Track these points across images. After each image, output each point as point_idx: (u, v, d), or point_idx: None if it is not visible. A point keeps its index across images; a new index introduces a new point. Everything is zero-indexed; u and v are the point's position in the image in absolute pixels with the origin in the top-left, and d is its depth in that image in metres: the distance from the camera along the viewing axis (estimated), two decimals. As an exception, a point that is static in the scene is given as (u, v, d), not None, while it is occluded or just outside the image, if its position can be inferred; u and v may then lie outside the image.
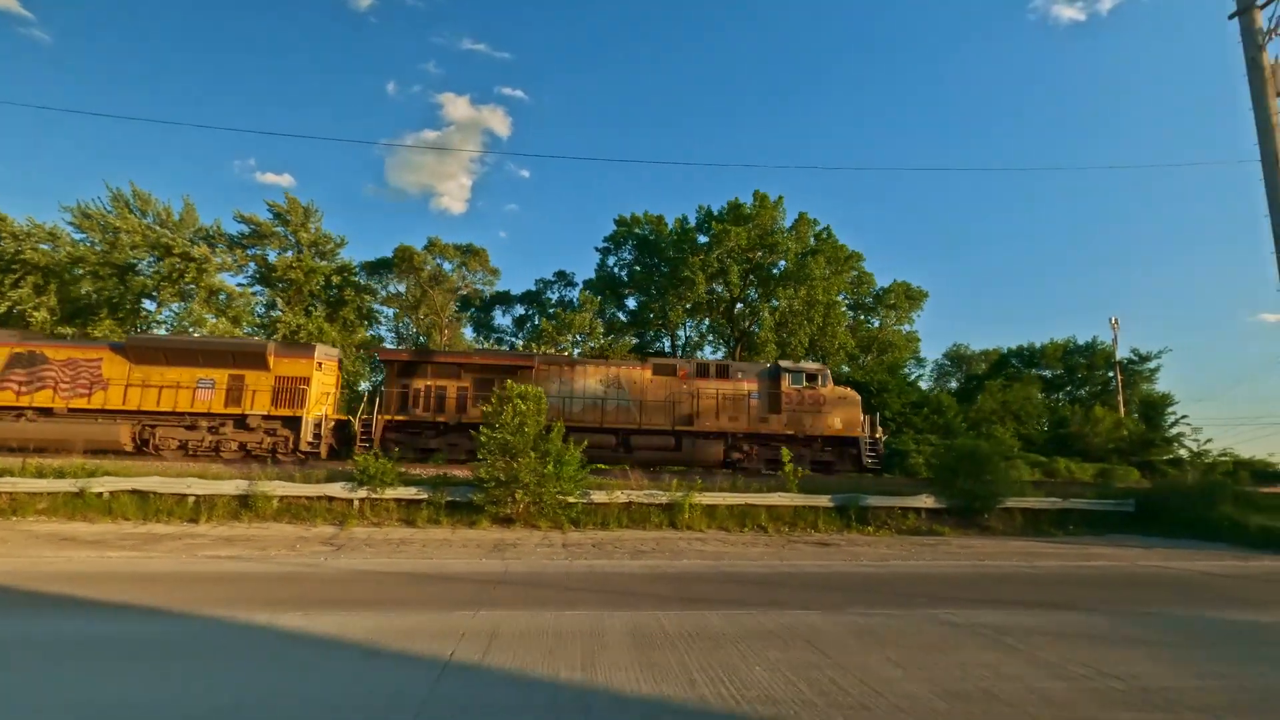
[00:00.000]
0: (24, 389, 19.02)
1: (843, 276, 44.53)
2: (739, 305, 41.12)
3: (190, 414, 19.32)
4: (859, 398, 22.22)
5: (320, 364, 20.34)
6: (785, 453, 17.29)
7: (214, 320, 30.48)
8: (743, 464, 20.98)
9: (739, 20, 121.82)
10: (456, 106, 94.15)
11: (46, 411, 18.92)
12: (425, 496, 14.14)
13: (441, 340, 35.98)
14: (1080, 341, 46.41)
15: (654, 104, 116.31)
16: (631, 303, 42.68)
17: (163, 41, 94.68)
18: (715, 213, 41.56)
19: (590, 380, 21.30)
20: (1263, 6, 14.15)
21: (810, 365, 22.47)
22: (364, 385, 31.99)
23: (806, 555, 11.65)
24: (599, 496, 14.33)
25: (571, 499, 13.97)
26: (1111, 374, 41.91)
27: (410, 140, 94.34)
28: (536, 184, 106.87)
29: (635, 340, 42.68)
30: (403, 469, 15.14)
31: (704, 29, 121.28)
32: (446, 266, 43.94)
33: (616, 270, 44.03)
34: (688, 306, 40.33)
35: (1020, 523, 15.90)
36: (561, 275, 45.49)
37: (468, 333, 44.92)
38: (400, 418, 20.00)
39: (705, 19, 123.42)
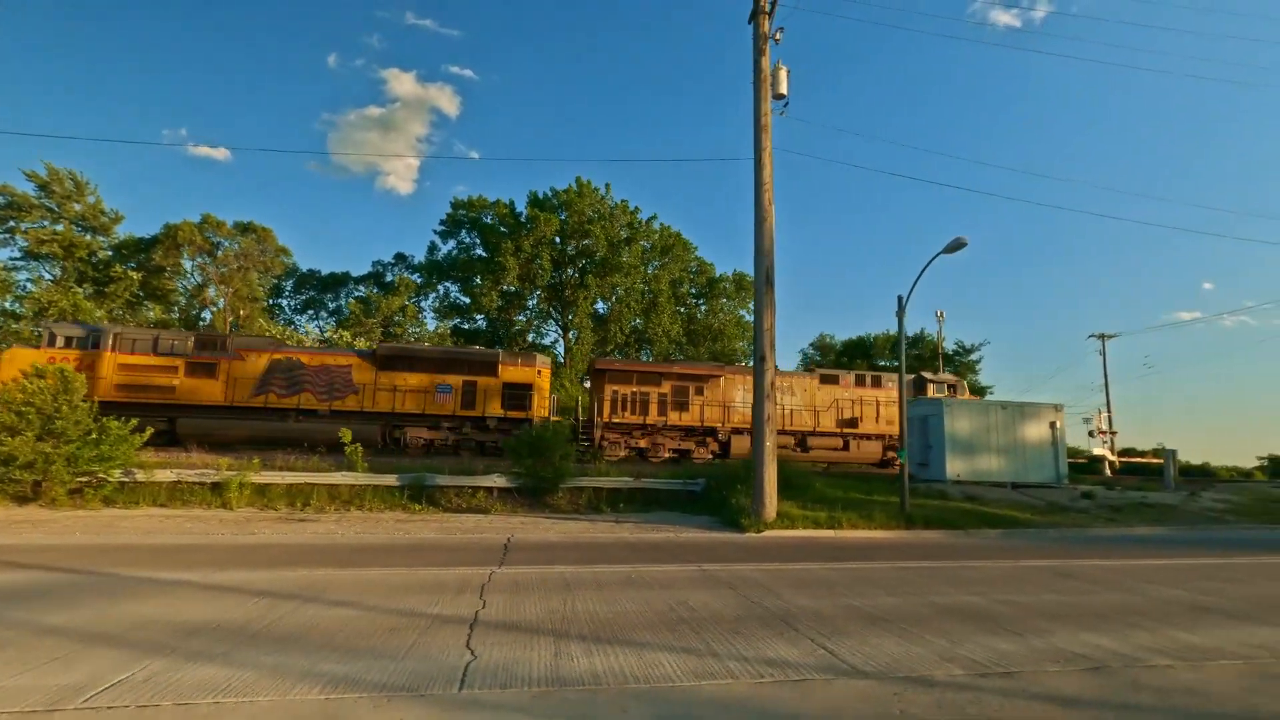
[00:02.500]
0: (284, 393, 21.04)
1: (676, 265, 45.33)
2: (566, 291, 41.78)
3: (433, 415, 21.38)
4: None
5: (540, 371, 22.86)
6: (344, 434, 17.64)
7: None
8: (895, 463, 24.31)
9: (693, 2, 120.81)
10: (402, 82, 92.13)
11: (310, 413, 21.09)
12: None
13: (241, 321, 36.11)
14: (909, 334, 48.09)
15: (606, 84, 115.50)
16: (455, 288, 43.15)
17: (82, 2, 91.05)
18: (541, 197, 42.06)
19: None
20: (769, 13, 14.99)
21: (948, 376, 26.67)
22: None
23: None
24: (140, 476, 14.80)
25: (106, 475, 14.41)
26: (943, 363, 43.67)
27: (353, 116, 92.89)
28: (485, 165, 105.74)
29: (457, 325, 43.15)
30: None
31: (657, 10, 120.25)
32: (235, 247, 42.28)
33: (458, 254, 44.29)
34: (505, 290, 40.81)
35: (585, 501, 16.63)
36: (401, 257, 45.75)
37: (299, 320, 44.87)
38: (615, 419, 22.77)
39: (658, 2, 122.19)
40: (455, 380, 21.90)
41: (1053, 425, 18.77)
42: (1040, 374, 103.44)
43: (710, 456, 23.32)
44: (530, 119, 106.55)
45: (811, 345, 58.17)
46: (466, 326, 43.80)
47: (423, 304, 42.97)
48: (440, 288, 44.83)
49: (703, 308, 46.34)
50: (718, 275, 46.19)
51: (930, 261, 13.87)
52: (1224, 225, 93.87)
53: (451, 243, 44.47)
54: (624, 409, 23.07)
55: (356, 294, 44.37)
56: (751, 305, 47.69)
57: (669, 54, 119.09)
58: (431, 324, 42.15)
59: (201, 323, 34.03)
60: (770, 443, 13.96)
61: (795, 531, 13.00)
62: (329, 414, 21.11)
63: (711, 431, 23.64)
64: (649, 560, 9.14)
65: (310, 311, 45.85)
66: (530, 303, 43.16)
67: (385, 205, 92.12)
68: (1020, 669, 4.55)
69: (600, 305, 43.28)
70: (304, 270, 44.87)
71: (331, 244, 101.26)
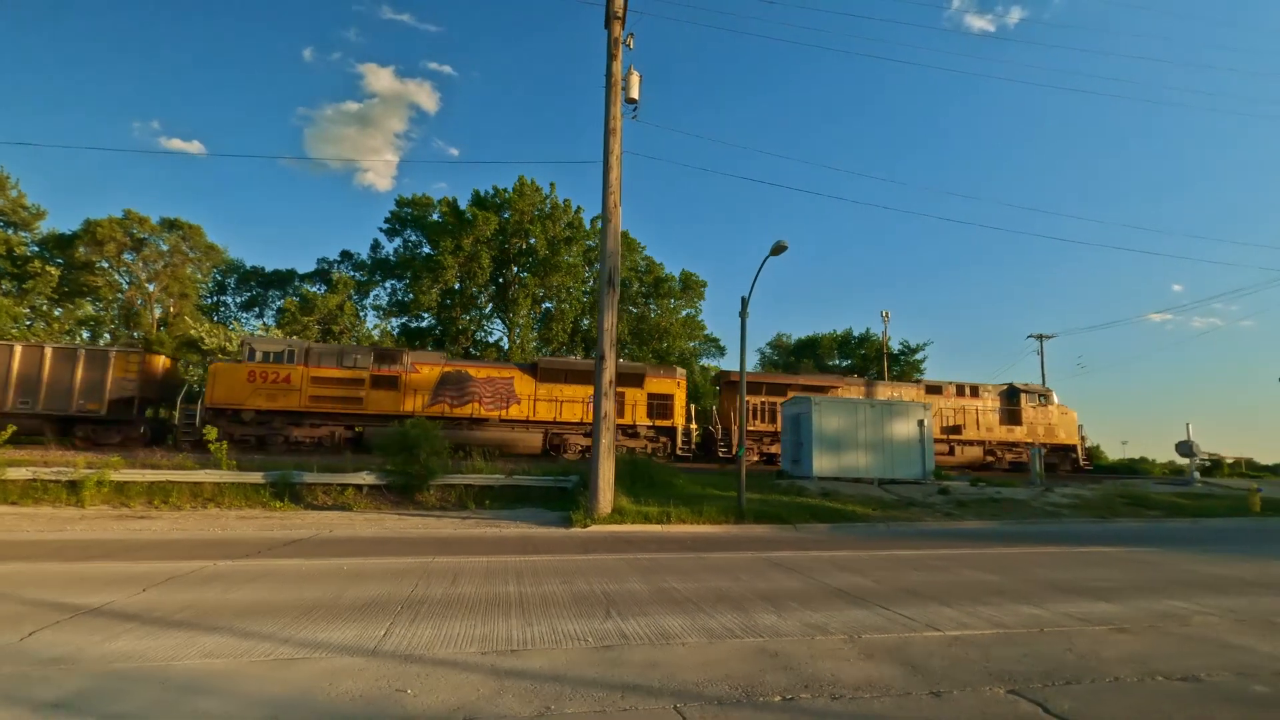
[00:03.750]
0: (455, 403, 23.02)
1: (622, 264, 45.60)
2: (509, 290, 41.98)
3: (588, 424, 22.83)
4: (1075, 414, 29.54)
5: (679, 383, 25.28)
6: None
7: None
8: (995, 465, 27.63)
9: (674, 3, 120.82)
10: (379, 78, 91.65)
11: (480, 422, 23.14)
12: None
13: (170, 319, 36.01)
14: (856, 333, 48.69)
15: (586, 83, 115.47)
16: (390, 286, 43.26)
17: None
18: (483, 196, 42.22)
19: (878, 397, 27.19)
20: (621, 19, 15.29)
21: (1039, 387, 29.53)
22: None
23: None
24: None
25: None
26: (887, 363, 44.34)
27: (331, 111, 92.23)
28: (467, 163, 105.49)
29: (405, 324, 43.28)
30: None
31: (644, 11, 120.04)
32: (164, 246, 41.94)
33: (403, 252, 44.37)
34: (450, 288, 41.01)
35: (455, 498, 16.90)
36: (346, 255, 45.79)
37: (245, 317, 44.87)
38: (749, 428, 24.41)
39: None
40: None
41: (920, 423, 19.25)
42: (984, 372, 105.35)
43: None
44: (510, 117, 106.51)
45: (769, 344, 58.78)
46: (414, 325, 44.01)
47: (365, 302, 43.09)
48: (387, 285, 45.04)
49: (653, 308, 46.73)
50: (664, 275, 46.55)
51: (762, 265, 14.29)
52: (1122, 239, 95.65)
53: (397, 240, 44.69)
54: (754, 418, 25.68)
55: (295, 293, 44.48)
56: (701, 305, 48.23)
57: (652, 50, 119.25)
58: (372, 322, 42.23)
59: (122, 329, 33.93)
60: (607, 440, 14.32)
61: (623, 526, 13.37)
62: (499, 421, 23.31)
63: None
64: (453, 553, 9.55)
65: (256, 309, 45.91)
66: (480, 300, 43.41)
67: (365, 202, 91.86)
68: (629, 641, 4.94)
69: (549, 304, 43.57)
70: (249, 267, 44.96)
71: (305, 241, 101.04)
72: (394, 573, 7.82)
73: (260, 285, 45.08)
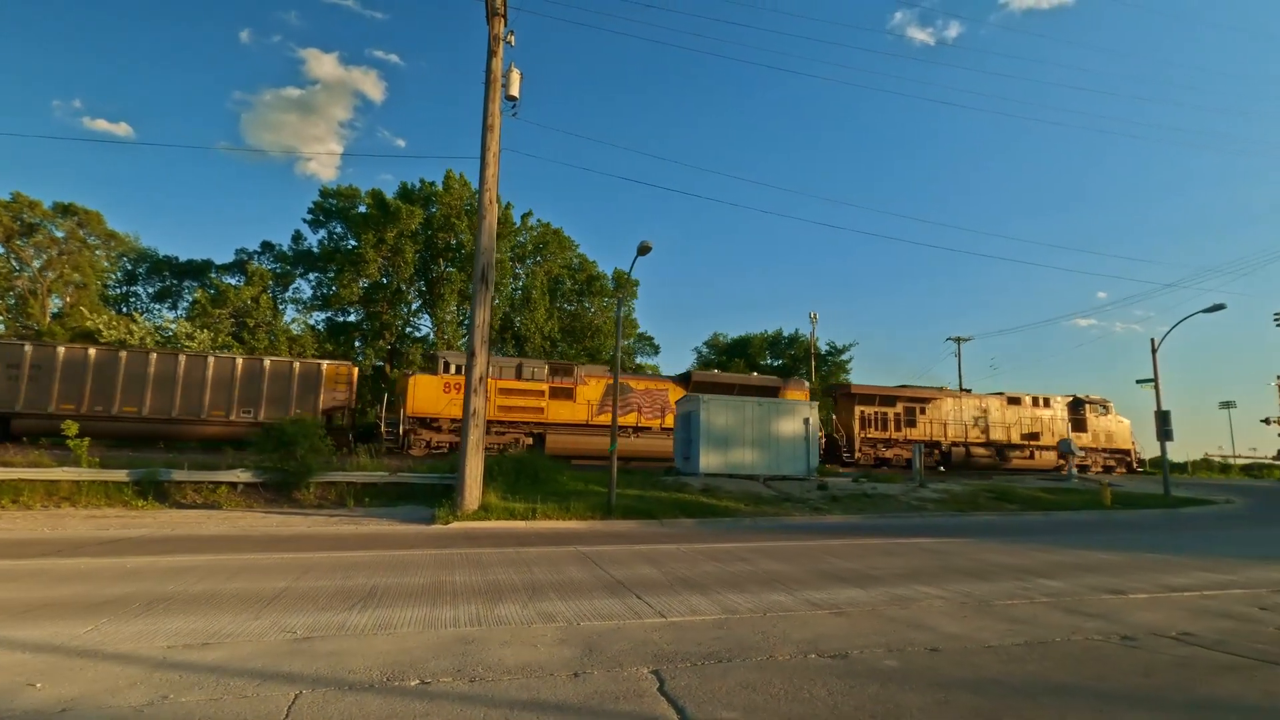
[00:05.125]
0: (620, 413, 24.04)
1: (555, 262, 45.46)
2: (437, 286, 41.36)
3: None
4: (1129, 422, 33.83)
5: (805, 395, 27.52)
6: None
7: None
8: (1063, 468, 29.67)
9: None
10: (322, 64, 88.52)
11: (643, 430, 25.53)
12: None
13: (66, 309, 34.15)
14: (786, 334, 49.67)
15: (537, 74, 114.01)
16: (315, 279, 42.14)
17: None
18: (410, 189, 41.50)
19: (965, 407, 30.75)
20: (503, 15, 15.20)
21: (1100, 399, 32.93)
22: None
23: None
24: None
25: None
26: (815, 364, 45.37)
27: (270, 96, 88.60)
28: (415, 154, 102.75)
29: (331, 318, 42.24)
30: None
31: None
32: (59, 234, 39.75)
33: (328, 245, 43.19)
34: (378, 282, 40.19)
35: (336, 495, 16.61)
36: (268, 246, 44.31)
37: (157, 309, 42.90)
38: (867, 434, 28.57)
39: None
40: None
41: (806, 421, 19.87)
42: (907, 373, 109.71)
43: (934, 464, 29.00)
44: (454, 109, 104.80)
45: (706, 344, 59.53)
46: (339, 320, 42.95)
47: (285, 295, 41.80)
48: (311, 277, 43.80)
49: (589, 306, 46.72)
50: (597, 273, 46.62)
51: (633, 263, 14.51)
52: (1008, 251, 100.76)
53: (322, 232, 43.50)
54: (870, 425, 28.55)
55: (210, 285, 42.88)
56: (634, 303, 48.50)
57: (607, 47, 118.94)
58: (290, 315, 41.01)
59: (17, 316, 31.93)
60: (475, 436, 14.34)
61: (486, 523, 13.39)
62: (659, 430, 25.54)
63: (936, 444, 29.62)
64: (283, 550, 9.47)
65: (170, 300, 44.01)
66: (409, 295, 42.65)
67: (308, 192, 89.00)
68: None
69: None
70: (160, 256, 43.04)
71: (243, 232, 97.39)
72: (178, 570, 7.70)
73: (174, 275, 43.22)
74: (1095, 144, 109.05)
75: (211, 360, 21.63)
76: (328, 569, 7.94)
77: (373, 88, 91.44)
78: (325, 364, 23.02)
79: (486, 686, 4.04)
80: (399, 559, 8.77)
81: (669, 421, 25.34)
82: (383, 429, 23.21)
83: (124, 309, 41.23)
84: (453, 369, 23.35)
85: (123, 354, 21.10)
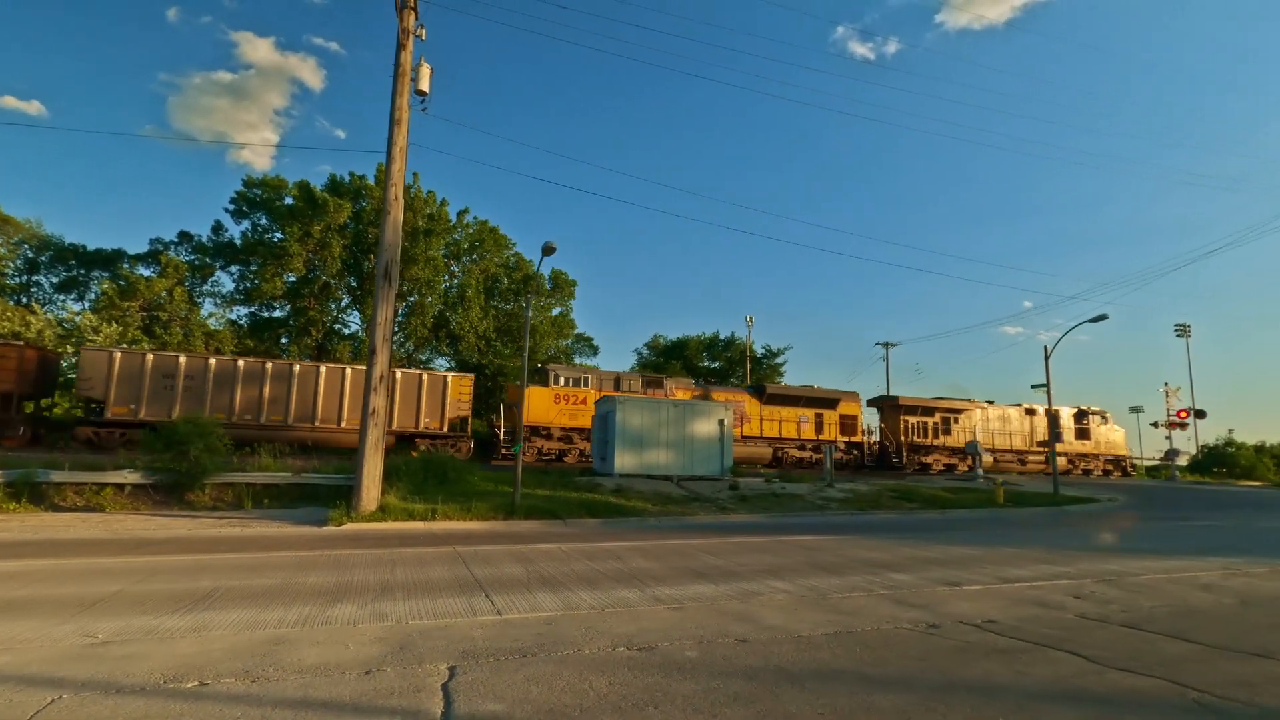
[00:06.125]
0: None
1: (490, 260, 44.86)
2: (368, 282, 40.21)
3: (798, 439, 29.43)
4: (1123, 431, 38.68)
5: (859, 406, 31.69)
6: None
7: None
8: (1071, 471, 34.95)
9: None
10: (256, 48, 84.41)
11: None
12: None
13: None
14: (723, 336, 50.39)
15: (480, 66, 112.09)
16: (237, 272, 40.44)
17: None
18: (340, 181, 40.33)
19: (991, 416, 34.74)
20: (414, 8, 14.87)
21: (1099, 409, 36.99)
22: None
23: None
24: None
25: None
26: (750, 366, 46.15)
27: (199, 80, 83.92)
28: (355, 147, 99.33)
29: (254, 313, 40.61)
30: None
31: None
32: None
33: (252, 237, 41.43)
34: (300, 278, 38.83)
35: (233, 496, 16.02)
36: (185, 235, 42.22)
37: (61, 299, 40.17)
38: (913, 441, 31.90)
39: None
40: (809, 413, 29.81)
41: (721, 422, 20.30)
42: (839, 376, 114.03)
43: (966, 469, 31.49)
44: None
45: (646, 345, 59.89)
46: (263, 316, 41.30)
47: (203, 288, 39.90)
48: (233, 270, 41.97)
49: (527, 307, 46.19)
50: (534, 272, 46.25)
51: (540, 262, 14.51)
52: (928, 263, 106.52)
53: (245, 224, 41.75)
54: (913, 434, 31.57)
55: (119, 275, 40.56)
56: (571, 303, 48.33)
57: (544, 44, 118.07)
58: (206, 310, 39.22)
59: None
60: (374, 436, 14.07)
61: (381, 524, 13.14)
62: (741, 439, 27.28)
63: (963, 451, 32.52)
64: (151, 553, 9.12)
65: (75, 292, 41.40)
66: (338, 291, 41.37)
67: (239, 181, 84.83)
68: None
69: (413, 298, 42.17)
70: (66, 244, 40.44)
71: (171, 222, 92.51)
72: (8, 575, 7.30)
73: (81, 265, 40.69)
74: (1010, 163, 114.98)
75: (349, 371, 23.04)
76: (177, 572, 7.67)
77: (311, 75, 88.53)
78: (450, 376, 24.23)
79: (265, 687, 4.01)
80: (260, 561, 8.55)
81: (749, 429, 27.99)
82: (501, 437, 25.04)
83: (23, 299, 38.64)
84: (562, 381, 25.58)
85: (268, 365, 22.33)
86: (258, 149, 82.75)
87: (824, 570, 8.63)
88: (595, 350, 51.13)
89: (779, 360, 51.65)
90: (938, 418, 32.73)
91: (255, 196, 40.99)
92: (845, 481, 21.86)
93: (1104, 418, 37.20)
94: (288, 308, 40.82)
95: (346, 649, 4.81)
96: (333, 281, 39.73)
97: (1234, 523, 17.92)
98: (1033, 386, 24.27)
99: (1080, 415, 36.00)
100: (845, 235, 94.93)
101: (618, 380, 26.53)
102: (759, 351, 51.58)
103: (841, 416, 30.38)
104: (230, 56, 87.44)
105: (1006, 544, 12.00)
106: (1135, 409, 55.25)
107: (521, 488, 16.75)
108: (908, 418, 31.79)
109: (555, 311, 46.60)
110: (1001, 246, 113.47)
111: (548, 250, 13.76)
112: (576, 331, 48.49)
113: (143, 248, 41.72)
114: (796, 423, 29.12)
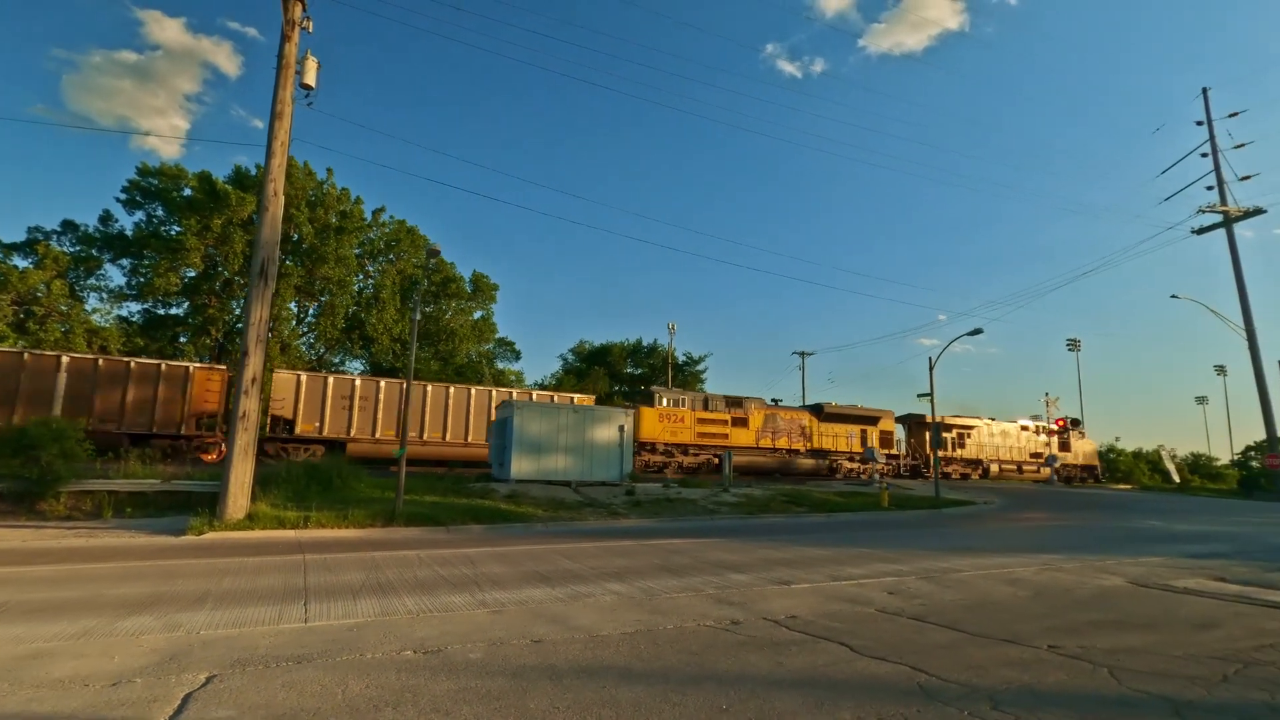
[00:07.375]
0: (774, 438, 30.87)
1: (407, 261, 43.70)
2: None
3: (846, 452, 33.38)
4: (1095, 442, 46.69)
5: (894, 422, 36.44)
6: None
7: None
8: (1055, 479, 40.99)
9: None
10: (165, 28, 78.87)
11: (794, 453, 31.68)
12: None
13: None
14: (646, 343, 50.76)
15: (409, 61, 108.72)
16: (127, 264, 37.92)
17: None
18: (244, 173, 38.44)
19: (994, 431, 40.38)
20: (300, 0, 14.29)
21: (1073, 419, 44.60)
22: None
23: None
24: None
25: None
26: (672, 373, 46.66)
27: (99, 58, 77.61)
28: (245, 144, 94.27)
29: (147, 310, 38.10)
30: None
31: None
32: None
33: (146, 229, 38.79)
34: (200, 273, 36.75)
35: (93, 505, 14.93)
36: (70, 225, 39.21)
37: None
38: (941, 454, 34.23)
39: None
40: (856, 429, 33.78)
41: (620, 428, 20.57)
42: (756, 383, 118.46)
43: (978, 478, 37.41)
44: (325, 93, 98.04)
45: (571, 351, 59.74)
46: (159, 313, 38.80)
47: (86, 282, 37.12)
48: (124, 264, 39.22)
49: (445, 309, 45.29)
50: (454, 274, 45.45)
51: (425, 265, 14.33)
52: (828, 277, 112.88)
53: (140, 214, 39.15)
54: (938, 447, 34.13)
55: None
56: (493, 307, 47.67)
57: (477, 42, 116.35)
58: (92, 304, 36.57)
59: None
60: (244, 440, 13.51)
61: (247, 532, 12.63)
62: (805, 452, 31.67)
63: (979, 462, 38.77)
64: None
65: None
66: (241, 289, 39.31)
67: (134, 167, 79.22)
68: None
69: (324, 297, 40.61)
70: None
71: (46, 207, 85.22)
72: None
73: (-59, 256, 37.05)
74: (920, 187, 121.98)
75: (473, 391, 26.37)
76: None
77: (227, 61, 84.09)
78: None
79: (48, 696, 3.86)
80: (78, 573, 8.09)
81: (808, 445, 31.52)
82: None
83: None
84: (666, 402, 28.62)
85: (428, 387, 25.55)
86: (166, 138, 77.81)
87: (670, 572, 8.92)
88: (517, 355, 50.58)
89: (700, 368, 52.66)
90: (955, 433, 37.30)
91: (151, 186, 38.60)
92: (741, 487, 22.52)
93: (1081, 431, 44.12)
94: (185, 305, 38.60)
95: (111, 661, 4.65)
96: (237, 279, 37.80)
97: (1084, 522, 19.55)
98: (919, 396, 25.78)
99: (1063, 429, 42.19)
100: (756, 251, 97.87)
101: (706, 400, 29.77)
102: (680, 359, 52.42)
103: (881, 432, 34.47)
104: (136, 35, 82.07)
105: (864, 544, 12.69)
106: (1035, 418, 59.65)
107: (411, 494, 16.49)
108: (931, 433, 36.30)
109: (477, 315, 45.89)
110: (904, 261, 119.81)
111: (432, 253, 13.64)
112: (499, 336, 47.87)
113: (19, 236, 38.51)
114: (847, 438, 33.15)
